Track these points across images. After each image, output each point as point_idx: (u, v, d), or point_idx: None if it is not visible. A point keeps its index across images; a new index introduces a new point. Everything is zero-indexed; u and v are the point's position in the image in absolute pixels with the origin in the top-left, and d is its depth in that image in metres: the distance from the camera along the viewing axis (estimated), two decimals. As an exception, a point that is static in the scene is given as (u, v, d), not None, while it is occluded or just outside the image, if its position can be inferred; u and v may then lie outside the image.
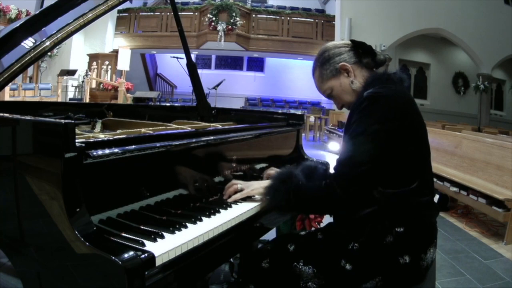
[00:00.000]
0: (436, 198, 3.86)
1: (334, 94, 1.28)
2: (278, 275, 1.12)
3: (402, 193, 1.09)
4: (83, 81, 9.24)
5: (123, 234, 0.91)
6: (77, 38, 10.61)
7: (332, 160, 1.23)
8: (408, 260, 1.05)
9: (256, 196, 1.26)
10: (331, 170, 1.17)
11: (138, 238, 0.88)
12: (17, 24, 1.43)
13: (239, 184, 1.27)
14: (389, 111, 1.09)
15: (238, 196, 1.24)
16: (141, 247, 0.84)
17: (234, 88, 13.43)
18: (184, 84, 8.84)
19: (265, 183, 1.25)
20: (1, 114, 1.01)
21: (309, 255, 1.11)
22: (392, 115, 1.08)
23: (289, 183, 1.16)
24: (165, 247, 0.87)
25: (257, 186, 1.26)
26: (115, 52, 10.83)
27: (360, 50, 1.26)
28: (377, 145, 1.07)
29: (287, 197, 1.14)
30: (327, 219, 1.39)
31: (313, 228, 1.66)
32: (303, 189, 1.15)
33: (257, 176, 1.54)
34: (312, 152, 1.77)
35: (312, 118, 10.36)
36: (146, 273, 0.79)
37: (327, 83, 1.28)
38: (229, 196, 1.25)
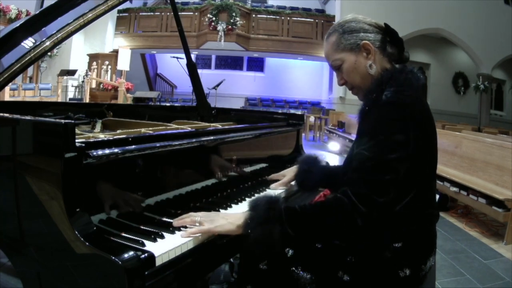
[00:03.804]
0: (436, 198, 3.85)
1: (343, 68, 1.13)
2: (275, 277, 1.11)
3: (403, 208, 1.02)
4: (83, 81, 9.24)
5: (123, 234, 0.91)
6: (77, 38, 10.62)
7: (332, 160, 1.21)
8: (409, 272, 1.02)
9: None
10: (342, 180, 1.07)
11: (138, 238, 0.89)
12: (17, 24, 1.42)
13: (198, 216, 1.01)
14: (413, 120, 1.00)
15: (195, 230, 0.98)
16: (141, 247, 0.85)
17: (234, 88, 13.43)
18: (184, 84, 8.85)
19: (236, 216, 1.02)
20: (1, 114, 1.01)
21: (307, 262, 1.08)
22: (415, 125, 1.00)
23: (276, 211, 0.98)
24: (165, 247, 0.87)
25: (223, 222, 1.00)
26: (115, 52, 10.83)
27: (389, 38, 1.13)
28: (403, 157, 0.96)
29: (281, 229, 0.97)
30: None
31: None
32: (302, 214, 0.98)
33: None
34: (312, 152, 1.77)
35: (312, 118, 10.36)
36: (146, 273, 0.79)
37: (341, 53, 1.12)
38: (184, 226, 1.00)
